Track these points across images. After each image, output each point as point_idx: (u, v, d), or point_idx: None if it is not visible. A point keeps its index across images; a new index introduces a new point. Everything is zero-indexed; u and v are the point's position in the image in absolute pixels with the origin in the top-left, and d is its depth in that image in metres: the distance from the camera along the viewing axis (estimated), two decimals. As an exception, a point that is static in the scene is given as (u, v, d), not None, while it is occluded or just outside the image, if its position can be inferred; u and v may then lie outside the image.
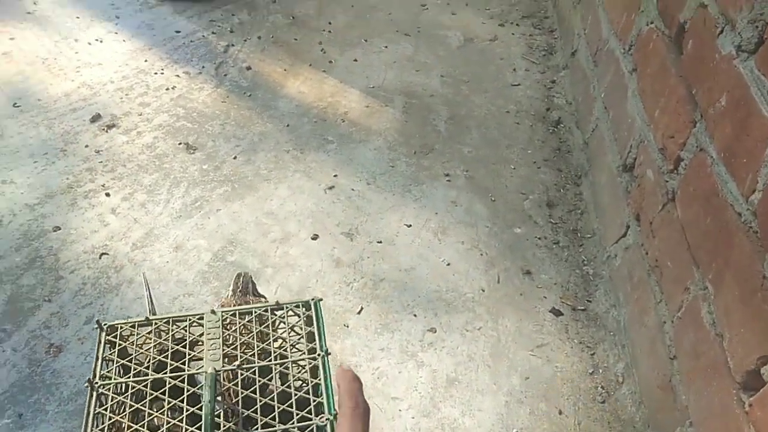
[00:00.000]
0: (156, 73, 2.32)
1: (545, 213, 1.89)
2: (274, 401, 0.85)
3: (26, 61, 2.33)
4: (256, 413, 0.84)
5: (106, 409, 0.83)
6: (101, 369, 0.87)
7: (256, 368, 0.90)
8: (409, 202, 1.90)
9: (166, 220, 1.75)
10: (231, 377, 0.90)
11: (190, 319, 0.96)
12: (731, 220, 1.12)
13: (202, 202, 1.82)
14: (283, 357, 0.94)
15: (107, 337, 0.91)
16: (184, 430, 0.80)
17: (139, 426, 0.82)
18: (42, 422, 1.30)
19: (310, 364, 0.92)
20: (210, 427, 0.79)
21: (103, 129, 2.05)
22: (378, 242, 1.76)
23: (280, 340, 0.97)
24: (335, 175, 1.97)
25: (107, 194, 1.81)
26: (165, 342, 0.93)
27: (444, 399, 1.41)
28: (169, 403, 0.84)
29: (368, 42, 2.62)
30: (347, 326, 1.53)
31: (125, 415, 0.83)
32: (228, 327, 0.95)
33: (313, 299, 1.00)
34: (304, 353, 0.94)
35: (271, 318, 0.98)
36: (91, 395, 0.84)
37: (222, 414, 0.84)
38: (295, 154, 2.04)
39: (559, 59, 2.56)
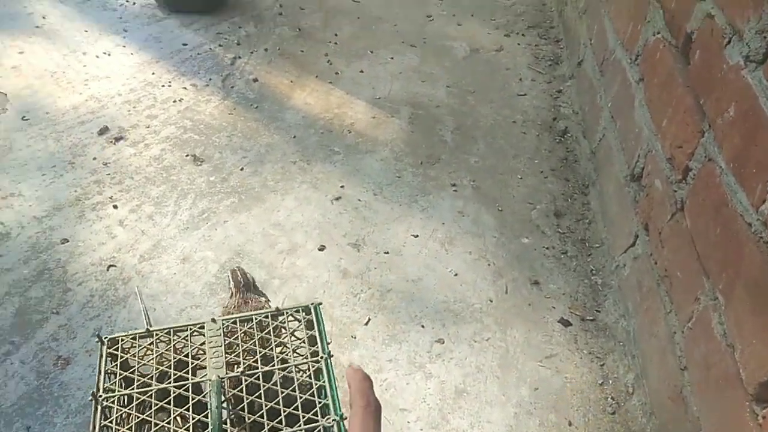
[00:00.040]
0: (163, 86, 2.34)
1: (553, 223, 1.88)
2: (279, 405, 0.85)
3: (35, 74, 2.34)
4: (263, 418, 0.84)
5: (111, 422, 0.82)
6: (104, 382, 0.87)
7: (260, 374, 0.90)
8: (416, 213, 1.89)
9: (174, 231, 1.76)
10: (235, 384, 0.90)
11: (190, 329, 0.96)
12: (741, 230, 1.11)
13: (210, 214, 1.83)
14: (285, 362, 0.94)
15: (108, 350, 0.91)
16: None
17: (146, 436, 0.82)
18: (50, 435, 1.29)
19: (314, 366, 0.92)
20: None
21: (111, 141, 2.06)
22: (385, 253, 1.75)
23: (281, 345, 0.97)
24: (342, 186, 1.97)
25: (115, 206, 1.82)
26: (167, 352, 0.93)
27: (452, 410, 1.40)
28: (174, 412, 0.84)
29: (374, 53, 2.63)
30: (354, 337, 1.53)
31: (131, 426, 0.83)
32: (229, 335, 0.96)
33: (312, 303, 1.01)
34: (306, 357, 0.94)
35: (272, 324, 0.99)
36: (96, 408, 0.83)
37: (228, 421, 0.84)
38: (301, 165, 2.04)
39: (565, 69, 2.57)
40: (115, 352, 0.91)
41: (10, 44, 2.49)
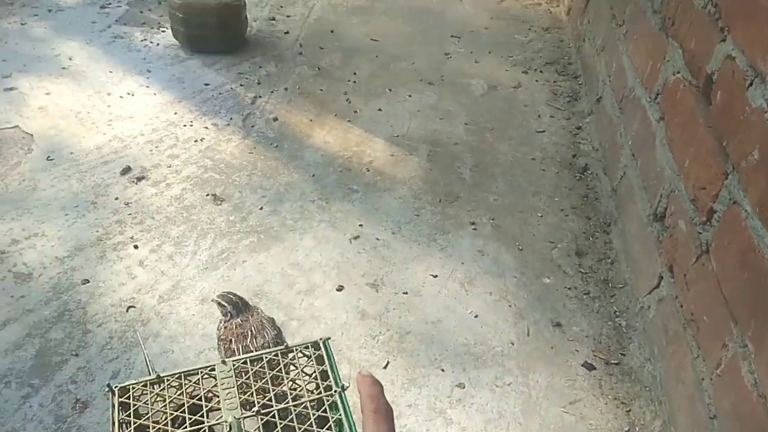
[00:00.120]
0: (185, 125, 2.38)
1: (575, 262, 1.85)
2: None
3: (60, 114, 2.40)
4: None
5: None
6: None
7: (275, 411, 0.89)
8: (435, 252, 1.88)
9: (193, 272, 1.76)
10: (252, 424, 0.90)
11: (201, 372, 0.96)
12: (770, 276, 1.08)
13: (229, 254, 1.83)
14: (299, 398, 0.93)
15: (120, 399, 0.90)
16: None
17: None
18: (66, 481, 1.28)
19: (328, 401, 0.91)
20: None
21: (133, 181, 2.09)
22: (404, 293, 1.74)
23: (293, 382, 0.97)
24: (360, 225, 1.97)
25: (135, 246, 1.83)
26: (178, 397, 0.92)
27: (474, 459, 1.37)
28: None
29: (392, 91, 2.65)
30: (373, 381, 1.50)
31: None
32: (240, 375, 0.95)
33: (321, 339, 1.01)
34: (321, 391, 0.94)
35: (282, 361, 0.99)
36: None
37: None
38: (320, 204, 2.04)
39: (584, 105, 2.56)
40: (127, 400, 0.91)
41: (38, 85, 2.56)
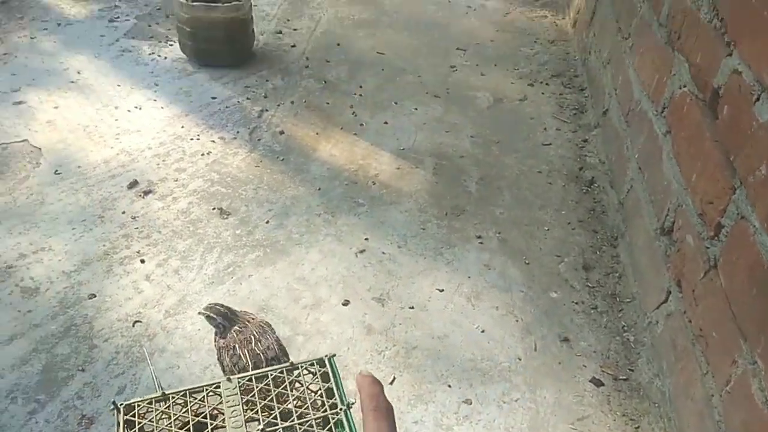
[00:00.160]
0: (192, 139, 2.39)
1: (582, 276, 1.84)
2: None
3: (69, 128, 2.41)
4: None
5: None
6: None
7: (281, 429, 0.89)
8: (441, 266, 1.88)
9: (199, 286, 1.76)
10: None
11: (206, 389, 0.96)
12: (780, 293, 1.07)
13: (235, 268, 1.83)
14: (305, 416, 0.93)
15: (125, 417, 0.90)
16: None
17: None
18: (71, 498, 1.28)
19: (334, 418, 0.91)
20: None
21: (140, 195, 2.09)
22: (410, 308, 1.73)
23: (298, 400, 0.96)
24: (366, 239, 1.96)
25: (142, 261, 1.84)
26: (183, 415, 0.92)
27: (481, 477, 1.35)
28: None
29: (398, 104, 2.66)
30: (379, 397, 1.49)
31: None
32: (245, 392, 0.95)
33: (326, 356, 1.01)
34: (326, 409, 0.93)
35: (288, 378, 0.98)
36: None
37: None
38: (326, 217, 2.05)
39: (590, 118, 2.56)
40: (132, 418, 0.90)
41: (46, 99, 2.58)
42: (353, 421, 0.90)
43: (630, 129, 2.04)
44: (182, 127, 2.46)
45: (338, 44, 3.10)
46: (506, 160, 2.34)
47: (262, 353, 1.34)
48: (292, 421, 0.91)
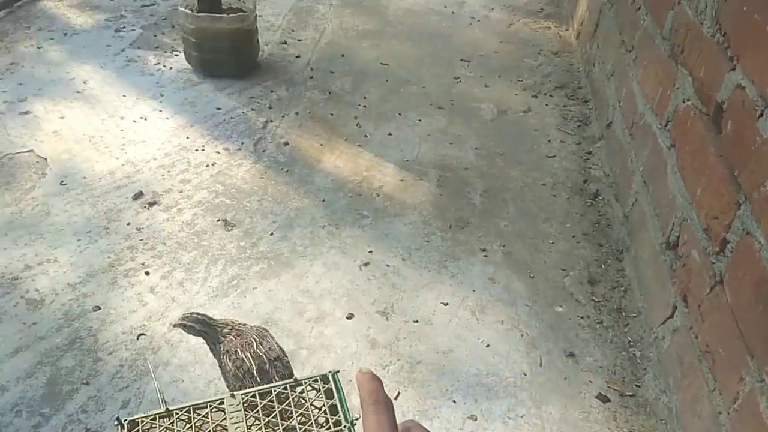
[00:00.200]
0: (197, 150, 2.39)
1: (587, 290, 1.84)
2: None
3: (74, 138, 2.42)
4: None
5: None
6: None
7: None
8: (445, 279, 1.87)
9: (203, 299, 1.76)
10: None
11: (210, 405, 0.96)
12: (788, 312, 1.06)
13: (239, 280, 1.83)
14: None
15: None
16: None
17: None
18: None
19: None
20: None
21: (145, 206, 2.10)
22: (414, 322, 1.73)
23: (302, 416, 0.97)
24: (370, 251, 1.96)
25: (147, 273, 1.84)
26: (188, 431, 0.92)
27: (486, 493, 1.35)
28: None
29: (402, 116, 2.66)
30: (384, 412, 1.49)
31: None
32: (249, 409, 0.95)
33: (330, 372, 1.01)
34: (330, 426, 0.93)
35: (291, 395, 0.99)
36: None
37: None
38: (330, 229, 2.05)
39: (594, 130, 2.56)
40: None
41: (52, 109, 2.59)
42: None
43: (634, 142, 2.04)
44: (187, 137, 2.46)
45: (342, 55, 3.11)
46: (510, 173, 2.34)
47: (265, 354, 1.35)
48: None
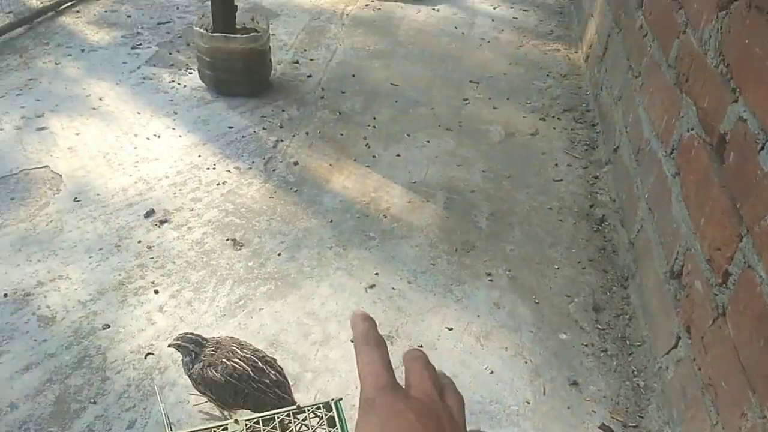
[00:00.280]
0: (208, 168, 2.43)
1: (592, 318, 1.85)
2: None
3: (89, 155, 2.47)
4: None
5: None
6: None
7: None
8: (451, 303, 1.89)
9: (211, 319, 1.79)
10: None
11: (214, 431, 0.98)
12: (787, 350, 1.07)
13: (246, 301, 1.86)
14: None
15: None
16: None
17: None
18: None
19: None
20: None
21: (156, 224, 2.13)
22: (419, 346, 1.74)
23: None
24: (376, 273, 1.98)
25: (156, 291, 1.87)
26: None
27: None
28: None
29: (411, 137, 2.69)
30: (386, 436, 1.50)
31: None
32: None
33: (333, 399, 1.02)
34: None
35: (294, 422, 1.00)
36: None
37: None
38: (337, 250, 2.07)
39: (601, 154, 2.57)
40: None
41: (68, 125, 2.64)
42: None
43: (640, 168, 2.05)
44: (199, 156, 2.50)
45: (353, 75, 3.15)
46: (517, 196, 2.36)
47: (253, 355, 1.39)
48: None
